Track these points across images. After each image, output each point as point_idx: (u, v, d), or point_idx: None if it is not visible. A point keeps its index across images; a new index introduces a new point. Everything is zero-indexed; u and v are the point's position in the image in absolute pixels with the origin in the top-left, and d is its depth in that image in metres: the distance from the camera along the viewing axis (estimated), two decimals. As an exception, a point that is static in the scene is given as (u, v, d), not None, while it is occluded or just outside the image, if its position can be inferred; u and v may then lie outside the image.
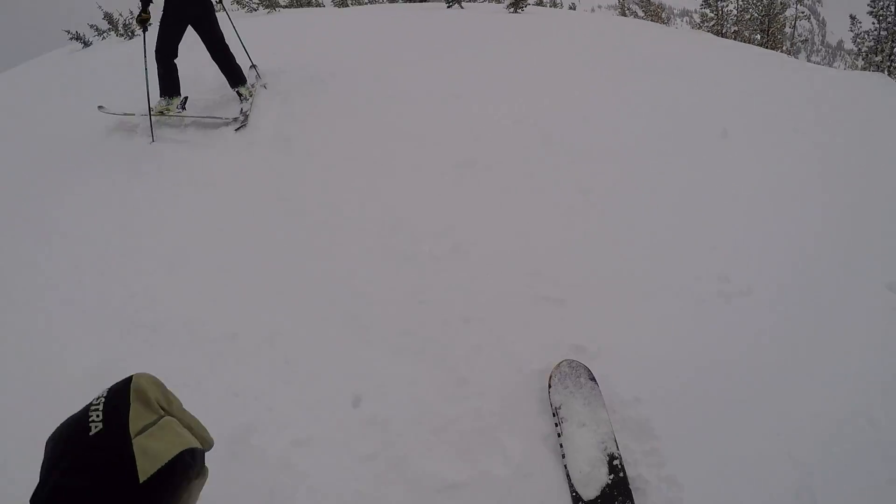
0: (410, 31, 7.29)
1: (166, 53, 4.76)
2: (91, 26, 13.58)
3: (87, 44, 12.52)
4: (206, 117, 4.90)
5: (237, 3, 12.76)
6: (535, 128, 4.25)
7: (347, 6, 11.57)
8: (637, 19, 12.42)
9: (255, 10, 12.29)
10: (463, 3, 9.32)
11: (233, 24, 5.43)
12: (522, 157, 3.94)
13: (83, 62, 9.00)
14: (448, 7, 9.16)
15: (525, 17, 8.19)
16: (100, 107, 5.07)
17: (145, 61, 4.83)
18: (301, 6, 16.00)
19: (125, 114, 4.96)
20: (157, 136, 4.73)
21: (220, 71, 5.11)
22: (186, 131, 4.82)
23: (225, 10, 5.16)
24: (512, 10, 8.72)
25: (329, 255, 3.24)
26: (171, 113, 4.85)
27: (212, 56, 5.02)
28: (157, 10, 4.71)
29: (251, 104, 5.04)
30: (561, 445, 2.13)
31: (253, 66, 5.65)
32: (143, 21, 4.73)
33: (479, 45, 6.29)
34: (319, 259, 3.21)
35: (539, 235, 3.26)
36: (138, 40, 5.46)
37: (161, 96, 4.87)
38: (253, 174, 4.17)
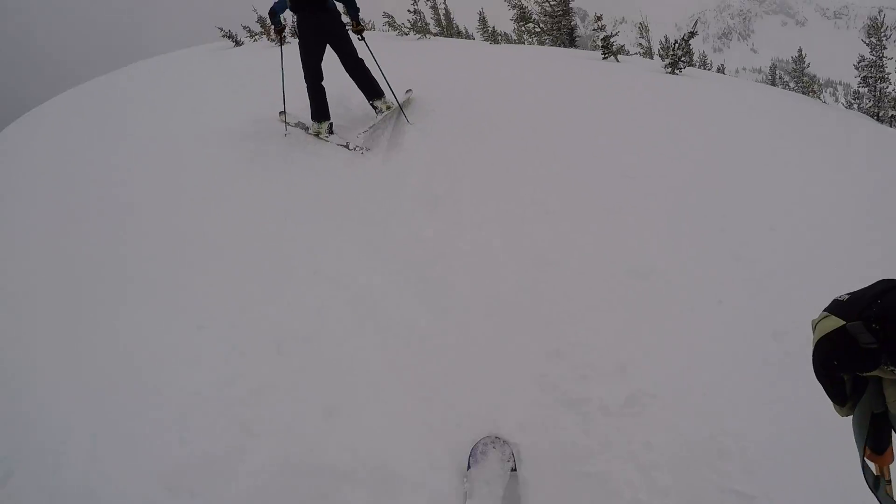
0: (566, 82, 6.95)
1: (312, 75, 5.07)
2: (244, 27, 14.70)
3: (238, 43, 13.41)
4: (347, 145, 5.16)
5: (389, 25, 13.19)
6: (722, 234, 3.48)
7: (498, 43, 11.46)
8: (794, 93, 11.28)
9: (406, 35, 12.62)
10: (619, 57, 8.90)
11: (371, 51, 5.55)
12: (706, 273, 3.20)
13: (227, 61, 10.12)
14: (603, 58, 8.78)
15: (686, 84, 7.57)
16: (281, 112, 5.61)
17: (282, 72, 5.59)
18: (451, 36, 16.43)
19: (298, 123, 5.44)
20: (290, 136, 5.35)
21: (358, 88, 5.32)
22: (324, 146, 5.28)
23: (364, 40, 5.34)
24: (669, 70, 8.18)
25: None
26: (321, 137, 5.25)
27: (348, 73, 5.21)
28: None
29: (383, 117, 5.28)
30: None
31: (409, 90, 5.80)
32: (279, 33, 5.39)
33: (645, 113, 5.78)
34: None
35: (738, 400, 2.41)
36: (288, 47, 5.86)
37: (312, 119, 5.27)
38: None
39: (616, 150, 4.65)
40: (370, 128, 5.16)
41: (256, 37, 14.38)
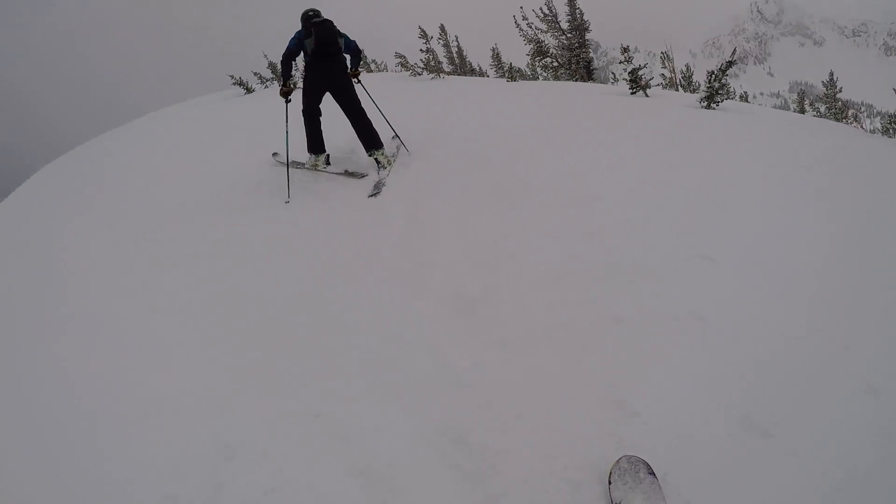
0: (594, 124, 6.24)
1: (310, 114, 5.30)
2: (255, 74, 14.41)
3: (249, 90, 13.14)
4: (345, 173, 5.37)
5: (402, 66, 12.75)
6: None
7: (515, 80, 10.87)
8: (821, 119, 10.31)
9: (419, 74, 12.13)
10: (648, 92, 8.15)
11: (372, 99, 5.81)
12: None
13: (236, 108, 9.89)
14: (632, 93, 8.05)
15: (726, 119, 6.75)
16: (274, 154, 5.87)
17: (286, 126, 5.46)
18: (464, 73, 15.95)
19: (294, 162, 5.55)
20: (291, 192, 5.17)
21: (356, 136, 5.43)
22: (319, 181, 5.41)
23: (363, 85, 5.62)
24: (705, 104, 7.39)
25: None
26: (319, 168, 5.50)
27: (351, 122, 5.36)
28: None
29: (388, 173, 5.25)
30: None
31: (396, 136, 5.80)
32: (286, 94, 5.28)
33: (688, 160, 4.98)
34: None
35: None
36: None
37: (309, 153, 5.49)
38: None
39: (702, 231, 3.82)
40: (376, 186, 5.10)
41: (267, 83, 14.09)
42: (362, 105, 5.35)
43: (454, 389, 2.71)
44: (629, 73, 7.86)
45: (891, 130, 6.59)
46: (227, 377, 2.98)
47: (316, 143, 5.42)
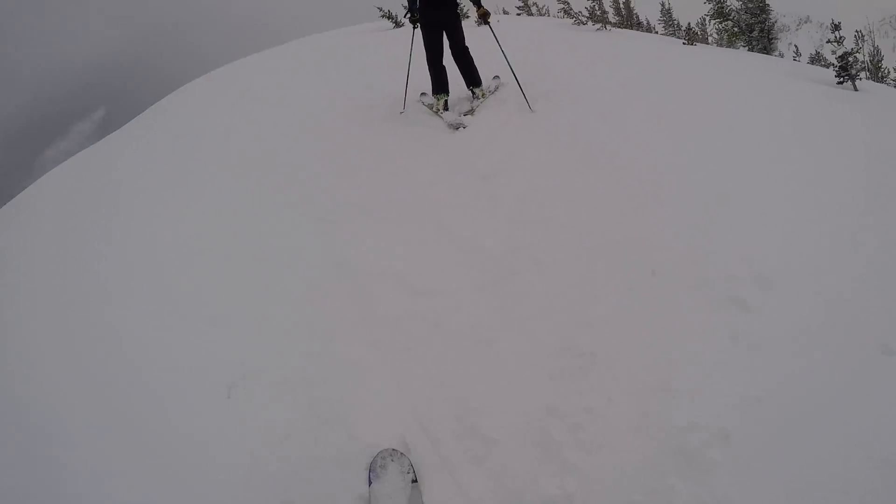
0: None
1: (432, 59, 5.82)
2: (404, 6, 14.28)
3: (398, 24, 13.00)
4: (455, 124, 5.75)
5: (565, 13, 12.14)
6: None
7: (693, 44, 10.00)
8: None
9: (584, 24, 11.52)
10: (858, 83, 7.07)
11: (496, 36, 6.12)
12: None
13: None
14: (839, 83, 6.97)
15: None
16: (422, 94, 6.29)
17: (410, 54, 6.25)
18: (630, 27, 14.92)
19: (424, 94, 6.27)
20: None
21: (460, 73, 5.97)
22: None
23: (491, 28, 6.13)
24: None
25: None
26: (437, 109, 5.95)
27: (454, 59, 5.85)
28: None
29: (480, 105, 5.98)
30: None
31: (497, 76, 6.35)
32: (414, 21, 5.81)
33: None
34: None
35: None
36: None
37: (433, 94, 6.02)
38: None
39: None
40: (468, 112, 5.88)
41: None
42: (466, 44, 5.79)
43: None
44: (838, 57, 6.91)
45: None
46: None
47: (438, 84, 5.92)
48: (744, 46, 12.67)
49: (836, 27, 7.07)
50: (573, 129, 5.33)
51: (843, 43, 6.92)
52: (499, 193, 4.50)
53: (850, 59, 6.89)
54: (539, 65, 7.09)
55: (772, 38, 13.44)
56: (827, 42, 7.37)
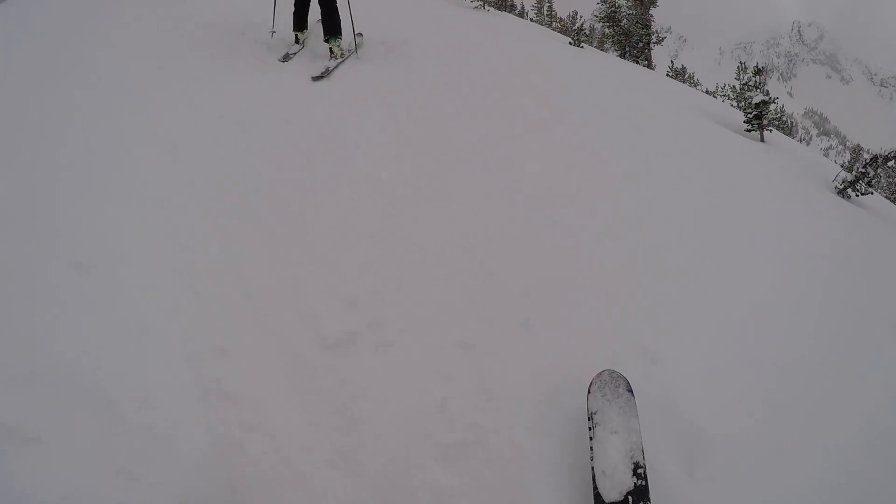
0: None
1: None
2: None
3: None
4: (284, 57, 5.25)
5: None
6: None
7: (579, 46, 8.29)
8: None
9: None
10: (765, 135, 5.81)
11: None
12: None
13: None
14: (747, 131, 5.68)
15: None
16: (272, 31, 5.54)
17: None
18: (503, 10, 12.97)
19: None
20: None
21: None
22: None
23: None
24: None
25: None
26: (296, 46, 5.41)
27: (320, 5, 5.25)
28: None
29: (338, 65, 5.22)
30: (591, 448, 2.17)
31: (359, 34, 5.65)
32: None
33: None
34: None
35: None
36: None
37: (294, 30, 5.46)
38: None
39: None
40: (325, 71, 5.10)
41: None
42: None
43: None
44: (755, 104, 5.52)
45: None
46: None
47: (298, 21, 5.44)
48: (616, 52, 11.63)
49: (759, 71, 5.75)
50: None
51: (763, 89, 5.56)
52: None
53: (766, 110, 5.57)
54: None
55: (649, 50, 12.60)
56: (744, 86, 6.02)
